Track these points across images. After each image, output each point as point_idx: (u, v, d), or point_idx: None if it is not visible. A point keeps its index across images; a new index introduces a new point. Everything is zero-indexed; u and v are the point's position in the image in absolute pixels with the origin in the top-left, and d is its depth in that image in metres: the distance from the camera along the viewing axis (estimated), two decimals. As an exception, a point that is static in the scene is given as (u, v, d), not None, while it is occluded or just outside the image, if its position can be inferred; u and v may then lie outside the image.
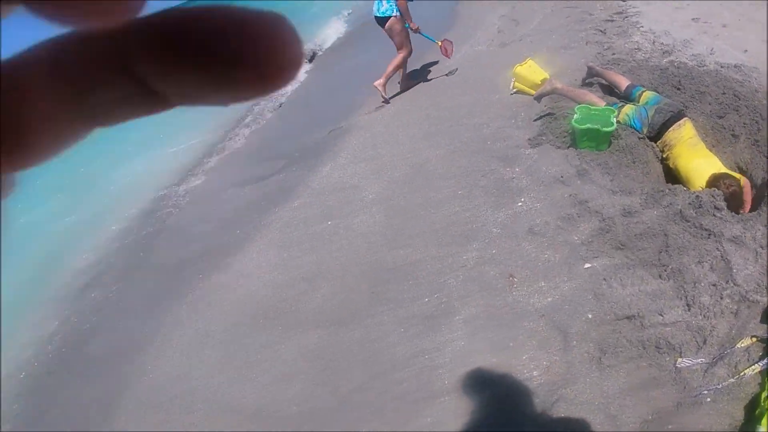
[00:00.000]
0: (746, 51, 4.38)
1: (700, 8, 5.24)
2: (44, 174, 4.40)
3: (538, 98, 3.55)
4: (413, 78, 5.45)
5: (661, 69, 3.98)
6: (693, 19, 5.11)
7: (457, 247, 2.86)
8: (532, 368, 2.23)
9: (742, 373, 1.97)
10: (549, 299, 2.46)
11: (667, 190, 2.90)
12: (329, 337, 2.70)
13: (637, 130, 3.21)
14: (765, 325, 2.11)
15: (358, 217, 3.48)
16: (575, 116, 3.12)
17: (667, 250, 2.58)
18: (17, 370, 3.39)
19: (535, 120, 3.65)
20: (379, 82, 4.99)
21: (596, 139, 3.11)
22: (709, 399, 1.90)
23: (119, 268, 4.30)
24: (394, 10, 4.66)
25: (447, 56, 5.21)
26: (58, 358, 3.43)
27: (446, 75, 5.24)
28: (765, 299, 2.19)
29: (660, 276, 2.51)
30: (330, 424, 2.25)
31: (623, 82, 3.45)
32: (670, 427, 1.95)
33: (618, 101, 3.31)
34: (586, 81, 3.97)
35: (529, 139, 3.46)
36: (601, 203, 2.83)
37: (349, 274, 3.03)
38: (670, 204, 2.82)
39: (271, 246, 3.59)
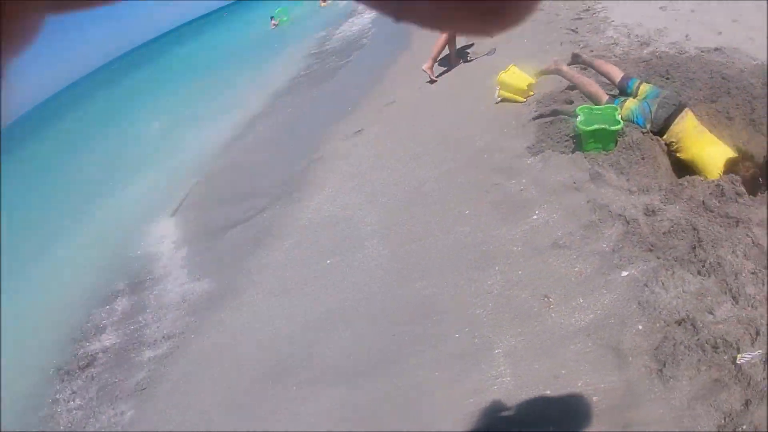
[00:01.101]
0: (720, 33, 4.46)
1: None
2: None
3: (541, 75, 3.47)
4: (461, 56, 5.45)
5: (644, 61, 3.98)
6: (661, 7, 5.22)
7: (477, 272, 2.69)
8: (590, 394, 2.06)
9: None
10: (591, 316, 2.30)
11: (685, 183, 2.83)
12: (353, 393, 2.45)
13: (641, 126, 3.14)
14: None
15: (359, 252, 3.27)
16: (579, 118, 3.03)
17: (700, 245, 2.48)
18: None
19: (533, 120, 3.55)
20: (426, 66, 5.21)
21: (603, 140, 3.02)
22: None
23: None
24: None
25: None
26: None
27: (486, 54, 5.27)
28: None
29: (699, 273, 2.40)
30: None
31: (617, 74, 3.39)
32: (744, 427, 1.81)
33: (618, 96, 3.24)
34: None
35: (528, 147, 3.36)
36: (622, 205, 2.73)
37: (362, 317, 2.81)
38: (691, 197, 2.74)
39: (269, 294, 3.33)
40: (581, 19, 5.05)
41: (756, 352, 2.01)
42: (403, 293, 2.80)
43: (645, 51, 4.21)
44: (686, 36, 4.53)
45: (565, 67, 3.33)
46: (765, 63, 3.66)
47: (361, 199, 3.73)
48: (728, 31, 4.48)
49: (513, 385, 2.16)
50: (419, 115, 4.69)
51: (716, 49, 4.07)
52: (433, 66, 5.24)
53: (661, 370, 2.08)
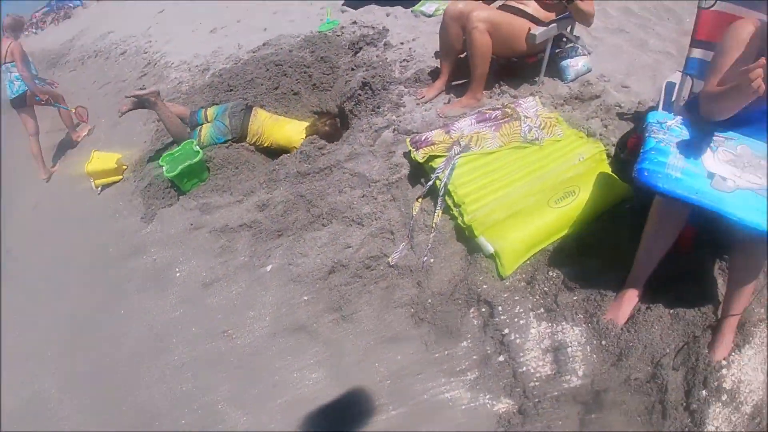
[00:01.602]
0: (265, 29, 5.02)
1: (217, 21, 5.80)
2: None
3: (132, 104, 3.36)
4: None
5: (208, 85, 4.22)
6: (211, 31, 5.63)
7: (160, 346, 2.44)
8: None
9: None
10: (267, 318, 2.32)
11: (276, 166, 3.10)
12: None
13: (223, 143, 3.32)
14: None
15: None
16: (165, 168, 3.04)
17: (311, 207, 2.72)
18: None
19: (136, 191, 3.40)
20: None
21: (196, 174, 3.09)
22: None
23: None
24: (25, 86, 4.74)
25: (84, 121, 5.03)
26: None
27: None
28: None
29: (324, 225, 2.60)
30: None
31: (185, 111, 3.55)
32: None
33: (195, 129, 3.37)
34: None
35: (142, 218, 3.23)
36: (240, 216, 2.83)
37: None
38: (287, 175, 3.00)
39: None
40: (146, 74, 5.09)
41: (399, 247, 2.29)
42: None
43: (207, 76, 4.47)
44: (238, 45, 4.97)
45: (159, 102, 3.31)
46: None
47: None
48: (271, 26, 5.08)
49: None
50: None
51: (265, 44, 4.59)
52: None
53: (342, 315, 2.20)
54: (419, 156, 2.42)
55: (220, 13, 6.08)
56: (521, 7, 2.79)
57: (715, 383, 1.59)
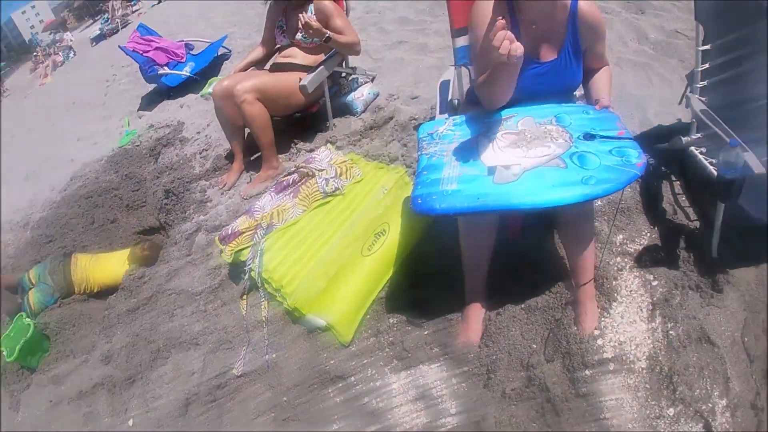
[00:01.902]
0: (72, 160, 4.62)
1: (29, 165, 5.31)
2: None
3: None
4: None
5: (30, 242, 3.76)
6: (24, 178, 5.15)
7: None
8: None
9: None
10: None
11: (107, 310, 2.75)
12: None
13: (52, 303, 2.95)
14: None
15: None
16: (5, 353, 2.63)
17: (150, 340, 2.42)
18: None
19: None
20: None
21: (35, 348, 2.71)
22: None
23: None
24: None
25: None
26: None
27: None
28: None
29: None
30: None
31: (12, 279, 3.15)
32: None
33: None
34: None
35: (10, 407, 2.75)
36: (89, 377, 2.47)
37: None
38: (119, 317, 2.67)
39: None
40: None
41: (241, 354, 2.02)
42: None
43: (27, 232, 4.02)
44: (52, 187, 4.53)
45: None
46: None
47: None
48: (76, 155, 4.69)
49: None
50: None
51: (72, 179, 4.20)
52: None
53: None
54: (226, 254, 2.23)
55: (28, 152, 5.62)
56: (288, 60, 2.70)
57: (596, 357, 1.50)
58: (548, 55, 1.61)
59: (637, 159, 1.31)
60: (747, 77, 1.77)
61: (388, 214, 2.07)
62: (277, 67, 2.74)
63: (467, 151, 1.46)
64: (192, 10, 7.24)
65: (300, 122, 2.81)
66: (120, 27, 9.51)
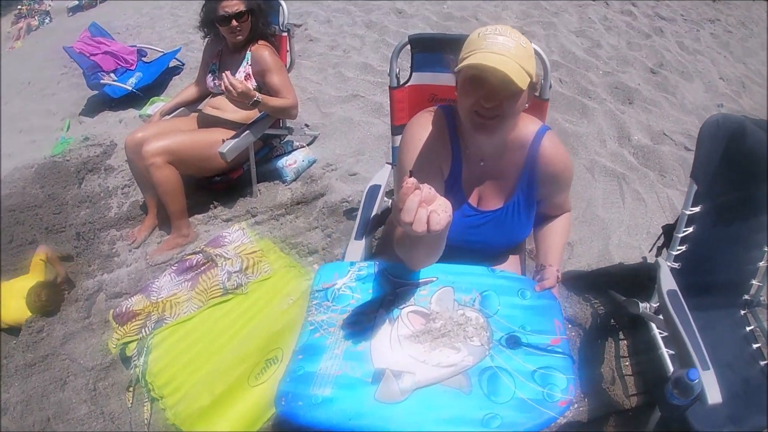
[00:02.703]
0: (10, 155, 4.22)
1: None
2: None
3: None
4: None
5: None
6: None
7: None
8: None
9: None
10: None
11: (5, 359, 2.42)
12: None
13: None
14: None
15: None
16: None
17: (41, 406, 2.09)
18: None
19: None
20: None
21: None
22: None
23: None
24: None
25: None
26: None
27: None
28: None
29: None
30: None
31: None
32: None
33: None
34: None
35: None
36: None
37: None
38: (17, 368, 2.32)
39: None
40: None
41: None
42: None
43: None
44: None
45: None
46: None
47: None
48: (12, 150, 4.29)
49: None
50: None
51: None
52: None
53: None
54: (112, 344, 1.96)
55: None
56: (216, 114, 2.39)
57: None
58: (492, 202, 1.32)
59: (563, 393, 1.04)
60: (735, 242, 1.61)
61: (285, 336, 1.80)
62: (202, 120, 2.44)
63: (358, 334, 1.18)
64: (165, 2, 6.83)
65: (220, 183, 2.50)
66: (99, 1, 8.93)
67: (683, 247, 1.63)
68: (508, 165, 1.28)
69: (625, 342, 1.83)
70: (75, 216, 3.08)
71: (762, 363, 1.63)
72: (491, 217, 1.32)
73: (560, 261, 1.38)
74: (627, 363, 1.78)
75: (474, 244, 1.35)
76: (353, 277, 1.32)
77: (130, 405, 1.91)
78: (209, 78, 2.47)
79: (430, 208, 0.81)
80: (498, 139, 1.22)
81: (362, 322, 1.21)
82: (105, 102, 4.25)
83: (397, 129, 1.76)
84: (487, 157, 1.27)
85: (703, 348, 1.32)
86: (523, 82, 1.03)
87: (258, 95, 2.14)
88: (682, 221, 1.59)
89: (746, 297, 1.76)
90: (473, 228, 1.33)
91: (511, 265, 1.50)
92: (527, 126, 1.25)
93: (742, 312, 1.76)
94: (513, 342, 1.16)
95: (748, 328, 1.72)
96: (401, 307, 1.23)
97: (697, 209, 1.57)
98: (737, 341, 1.69)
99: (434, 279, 1.13)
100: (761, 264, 1.70)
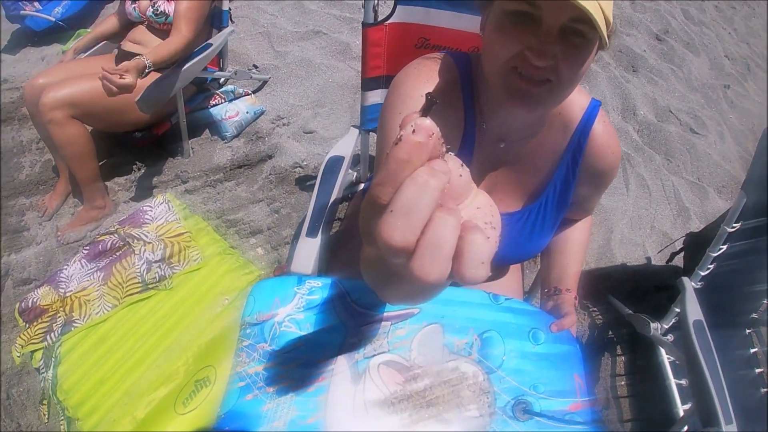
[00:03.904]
0: None
1: None
2: None
3: None
4: None
5: None
6: None
7: None
8: None
9: None
10: None
11: None
12: None
13: None
14: None
15: None
16: None
17: None
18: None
19: None
20: None
21: None
22: None
23: None
24: None
25: None
26: None
27: None
28: None
29: None
30: None
31: None
32: None
33: None
34: None
35: None
36: None
37: None
38: None
39: None
40: None
41: None
42: None
43: None
44: None
45: None
46: None
47: None
48: None
49: None
50: None
51: None
52: None
53: None
54: (15, 351, 1.59)
55: None
56: (136, 50, 1.88)
57: None
58: (508, 202, 0.93)
59: None
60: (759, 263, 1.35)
61: (218, 351, 1.42)
62: (122, 58, 1.91)
63: (308, 397, 0.83)
64: None
65: (143, 139, 2.00)
66: None
67: (712, 266, 1.34)
68: (540, 153, 0.88)
69: (623, 358, 1.57)
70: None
71: (763, 390, 1.47)
72: (505, 222, 0.92)
73: (577, 281, 1.04)
74: (623, 383, 1.53)
75: None
76: (301, 305, 0.94)
77: (46, 421, 1.55)
78: (128, 2, 1.93)
79: (465, 216, 0.31)
80: (538, 117, 0.82)
81: (314, 378, 0.85)
82: (27, 36, 3.58)
83: (368, 83, 1.33)
84: (512, 138, 0.86)
85: (729, 401, 1.06)
86: (602, 26, 0.62)
87: (146, 60, 1.65)
88: (719, 238, 1.32)
89: (754, 315, 1.57)
90: None
91: (512, 278, 1.15)
92: (573, 98, 0.83)
93: (747, 331, 1.58)
94: (522, 410, 0.84)
95: (752, 350, 1.54)
96: (370, 355, 0.88)
97: (738, 226, 1.30)
98: (740, 365, 1.53)
99: (416, 311, 0.77)
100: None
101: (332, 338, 0.89)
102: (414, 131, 0.28)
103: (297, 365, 0.86)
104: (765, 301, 1.53)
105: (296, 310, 0.93)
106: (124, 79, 1.56)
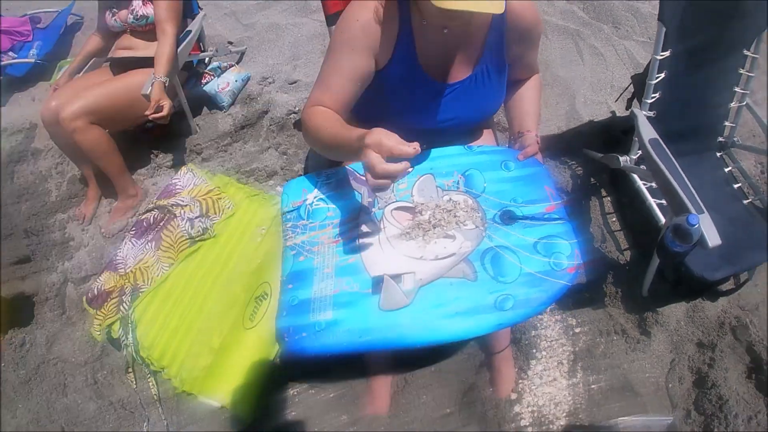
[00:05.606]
0: None
1: None
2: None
3: None
4: None
5: None
6: None
7: None
8: None
9: None
10: None
11: None
12: None
13: None
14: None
15: None
16: None
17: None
18: None
19: None
20: None
21: None
22: None
23: None
24: None
25: None
26: None
27: None
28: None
29: None
30: None
31: None
32: None
33: None
34: None
35: None
36: None
37: None
38: None
39: None
40: None
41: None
42: None
43: None
44: None
45: None
46: None
47: None
48: None
49: None
50: None
51: None
52: None
53: None
54: (95, 331, 1.86)
55: None
56: (127, 54, 2.10)
57: (512, 424, 1.36)
58: (457, 72, 1.17)
59: (569, 259, 0.99)
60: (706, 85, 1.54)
61: (268, 269, 1.70)
62: (116, 66, 2.14)
63: (345, 247, 1.07)
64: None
65: (155, 129, 2.24)
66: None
67: (657, 95, 1.57)
68: (473, 29, 1.12)
69: (609, 199, 1.81)
70: (18, 215, 2.77)
71: (745, 202, 1.65)
72: (459, 88, 1.18)
73: (538, 125, 1.29)
74: (614, 219, 1.78)
75: (444, 123, 1.23)
76: (323, 188, 1.20)
77: (134, 386, 1.82)
78: (108, 16, 2.13)
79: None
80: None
81: (346, 233, 1.11)
82: (12, 84, 3.74)
83: (332, 18, 1.52)
84: (454, 24, 1.08)
85: (695, 192, 1.29)
86: None
87: (161, 78, 1.91)
88: (654, 67, 1.52)
89: (721, 139, 1.75)
90: (441, 105, 1.20)
91: (486, 139, 1.40)
92: None
93: (718, 154, 1.76)
94: (508, 217, 1.10)
95: (726, 169, 1.73)
96: (383, 206, 1.13)
97: (667, 53, 1.50)
98: (718, 183, 1.70)
99: (411, 169, 1.01)
100: (732, 105, 1.67)
101: (352, 203, 1.15)
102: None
103: (332, 226, 1.12)
104: (726, 124, 1.70)
105: (320, 192, 1.19)
106: (163, 104, 1.86)
